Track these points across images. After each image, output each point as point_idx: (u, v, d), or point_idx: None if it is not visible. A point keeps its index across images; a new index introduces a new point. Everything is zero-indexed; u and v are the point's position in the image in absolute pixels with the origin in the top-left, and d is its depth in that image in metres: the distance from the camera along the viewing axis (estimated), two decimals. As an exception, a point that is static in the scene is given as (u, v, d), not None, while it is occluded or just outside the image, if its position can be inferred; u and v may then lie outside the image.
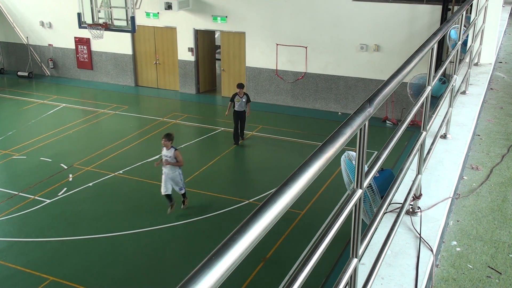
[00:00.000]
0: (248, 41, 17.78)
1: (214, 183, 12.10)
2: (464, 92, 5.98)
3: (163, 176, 10.15)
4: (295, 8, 16.77)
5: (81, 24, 16.58)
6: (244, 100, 13.82)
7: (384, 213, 3.02)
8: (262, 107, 17.56)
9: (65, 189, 11.72)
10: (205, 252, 1.52)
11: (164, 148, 10.08)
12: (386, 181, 5.00)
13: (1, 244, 9.72)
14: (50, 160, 13.31)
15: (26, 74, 21.24)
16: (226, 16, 17.79)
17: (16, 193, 11.58)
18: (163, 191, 10.21)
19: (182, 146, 14.33)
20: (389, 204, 3.05)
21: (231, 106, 13.94)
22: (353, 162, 5.31)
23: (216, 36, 19.83)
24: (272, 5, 17.04)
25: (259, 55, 17.75)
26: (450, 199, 3.56)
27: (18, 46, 21.80)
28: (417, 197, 3.36)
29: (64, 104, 17.95)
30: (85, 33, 18.73)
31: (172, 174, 10.10)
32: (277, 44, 17.38)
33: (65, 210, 10.93)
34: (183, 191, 10.48)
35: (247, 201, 11.16)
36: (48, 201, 11.22)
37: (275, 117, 16.69)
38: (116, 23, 16.50)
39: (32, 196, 11.39)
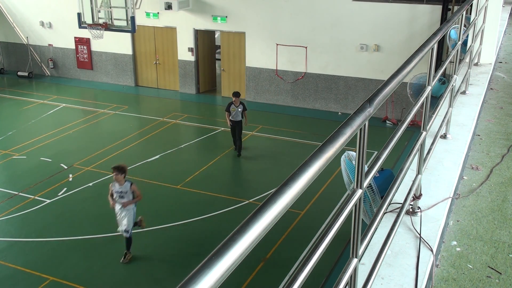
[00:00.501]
0: (248, 41, 17.79)
1: (214, 183, 12.10)
2: (464, 92, 5.98)
3: (117, 217, 8.79)
4: (295, 8, 16.77)
5: (81, 24, 16.58)
6: (240, 109, 13.14)
7: (384, 213, 3.02)
8: (262, 107, 17.57)
9: (65, 189, 11.73)
10: (205, 252, 1.52)
11: (117, 184, 8.47)
12: (386, 181, 5.00)
13: (1, 244, 9.73)
14: (50, 160, 13.31)
15: (26, 74, 21.24)
16: (226, 16, 17.79)
17: (16, 193, 11.58)
18: (120, 232, 8.94)
19: (182, 146, 14.35)
20: (389, 204, 3.05)
21: (228, 116, 13.21)
22: (353, 162, 5.31)
23: (216, 36, 19.84)
24: (272, 5, 17.04)
25: (259, 55, 17.75)
26: (450, 199, 3.56)
27: (18, 46, 21.80)
28: (417, 197, 3.36)
29: (64, 104, 17.95)
30: (85, 33, 18.74)
31: (126, 210, 8.69)
32: (277, 44, 17.38)
33: (65, 210, 10.93)
34: (128, 235, 8.85)
35: (247, 201, 11.16)
36: (48, 201, 11.22)
37: (275, 117, 16.69)
38: (116, 23, 16.50)
39: (32, 196, 11.39)
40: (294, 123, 16.15)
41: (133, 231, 9.04)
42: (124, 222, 8.76)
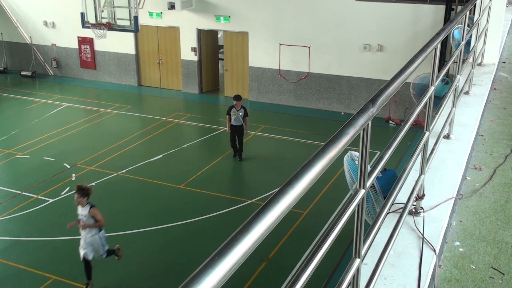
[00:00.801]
0: (251, 41, 17.78)
1: (217, 183, 12.11)
2: (467, 92, 5.97)
3: (81, 240, 8.03)
4: (298, 8, 16.77)
5: (84, 23, 16.62)
6: (241, 114, 12.66)
7: (387, 213, 3.02)
8: (265, 107, 17.57)
9: (68, 188, 11.74)
10: (207, 252, 1.52)
11: (79, 207, 7.95)
12: (389, 181, 5.00)
13: (4, 243, 9.75)
14: (53, 159, 13.33)
15: (29, 73, 21.29)
16: (229, 16, 17.79)
17: (19, 192, 11.60)
18: (81, 254, 8.01)
19: (185, 145, 14.35)
20: (392, 204, 3.05)
21: (229, 120, 12.79)
22: (356, 162, 5.31)
23: (219, 36, 19.85)
24: (275, 5, 17.03)
25: (262, 55, 17.75)
26: (453, 200, 3.55)
27: (21, 46, 21.85)
28: (420, 197, 3.35)
29: (67, 104, 17.98)
30: (88, 33, 18.75)
31: (90, 238, 7.92)
32: (280, 44, 17.37)
33: (68, 209, 10.91)
34: (105, 255, 8.18)
35: (249, 201, 11.16)
36: (51, 200, 11.24)
37: (278, 117, 16.69)
38: (119, 22, 16.53)
39: (35, 195, 11.41)
40: (297, 123, 16.14)
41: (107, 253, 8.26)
42: (94, 251, 8.02)
